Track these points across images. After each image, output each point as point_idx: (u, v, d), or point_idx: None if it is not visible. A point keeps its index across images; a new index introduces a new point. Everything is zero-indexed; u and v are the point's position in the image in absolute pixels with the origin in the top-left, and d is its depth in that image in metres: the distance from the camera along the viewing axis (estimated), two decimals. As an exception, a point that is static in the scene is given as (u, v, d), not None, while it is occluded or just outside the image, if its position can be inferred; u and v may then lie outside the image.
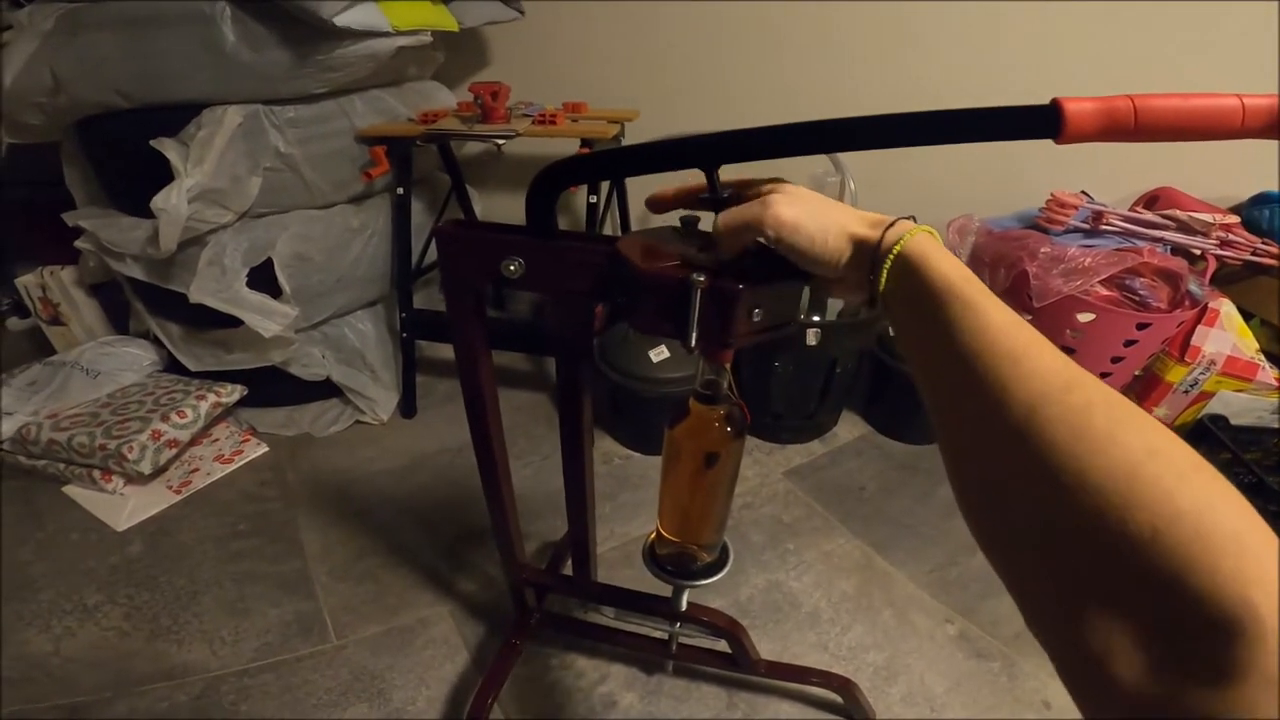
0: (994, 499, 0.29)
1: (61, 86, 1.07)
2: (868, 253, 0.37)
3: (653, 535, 0.68)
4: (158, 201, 1.04)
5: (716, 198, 0.42)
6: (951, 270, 0.33)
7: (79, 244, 1.27)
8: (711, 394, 0.54)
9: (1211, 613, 0.20)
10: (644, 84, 1.55)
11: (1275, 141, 0.31)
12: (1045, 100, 0.33)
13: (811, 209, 0.39)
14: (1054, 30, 1.30)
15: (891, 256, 0.35)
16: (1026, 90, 1.33)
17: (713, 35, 1.48)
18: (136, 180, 1.10)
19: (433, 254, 1.50)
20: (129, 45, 1.04)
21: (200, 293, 1.13)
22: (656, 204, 0.49)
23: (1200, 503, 0.22)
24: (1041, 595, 0.27)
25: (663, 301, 0.43)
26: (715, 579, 0.66)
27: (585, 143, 1.19)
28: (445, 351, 1.67)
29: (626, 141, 1.35)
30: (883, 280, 0.36)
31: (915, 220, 0.37)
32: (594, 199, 1.27)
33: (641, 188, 1.57)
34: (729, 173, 0.43)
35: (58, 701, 0.89)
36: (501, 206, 1.78)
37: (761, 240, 0.40)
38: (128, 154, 1.14)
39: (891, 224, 0.37)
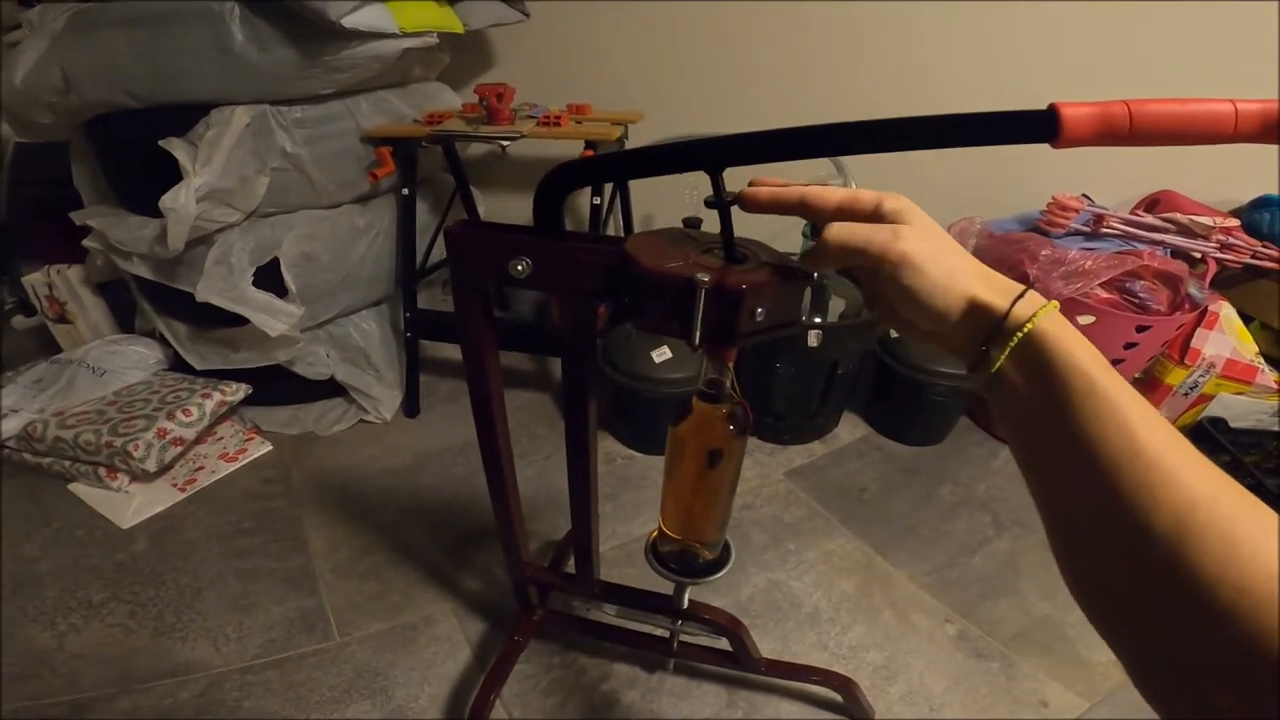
0: (1124, 595, 0.29)
1: (72, 86, 1.08)
2: (987, 322, 0.35)
3: (655, 533, 0.68)
4: (166, 201, 1.05)
5: (721, 201, 0.43)
6: (1090, 359, 0.31)
7: (87, 243, 1.28)
8: (715, 392, 0.55)
9: None
10: (648, 86, 1.56)
11: (1272, 146, 0.32)
12: (1048, 104, 0.33)
13: (938, 253, 0.36)
14: (1059, 33, 1.31)
15: (1020, 334, 0.33)
16: (1031, 93, 1.34)
17: (716, 38, 1.49)
18: (144, 180, 1.11)
19: (437, 254, 1.51)
20: (139, 45, 1.05)
21: (207, 292, 1.14)
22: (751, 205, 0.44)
23: None
24: (1166, 673, 0.28)
25: (668, 301, 0.44)
26: (717, 576, 0.67)
27: (589, 144, 1.20)
28: (448, 351, 1.67)
29: (630, 143, 1.36)
30: (1003, 357, 0.34)
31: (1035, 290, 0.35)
32: (597, 200, 1.28)
33: (644, 190, 1.59)
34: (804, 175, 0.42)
35: (61, 698, 0.89)
36: (506, 207, 1.79)
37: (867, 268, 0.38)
38: (136, 153, 1.14)
39: (1020, 295, 0.34)
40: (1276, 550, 0.25)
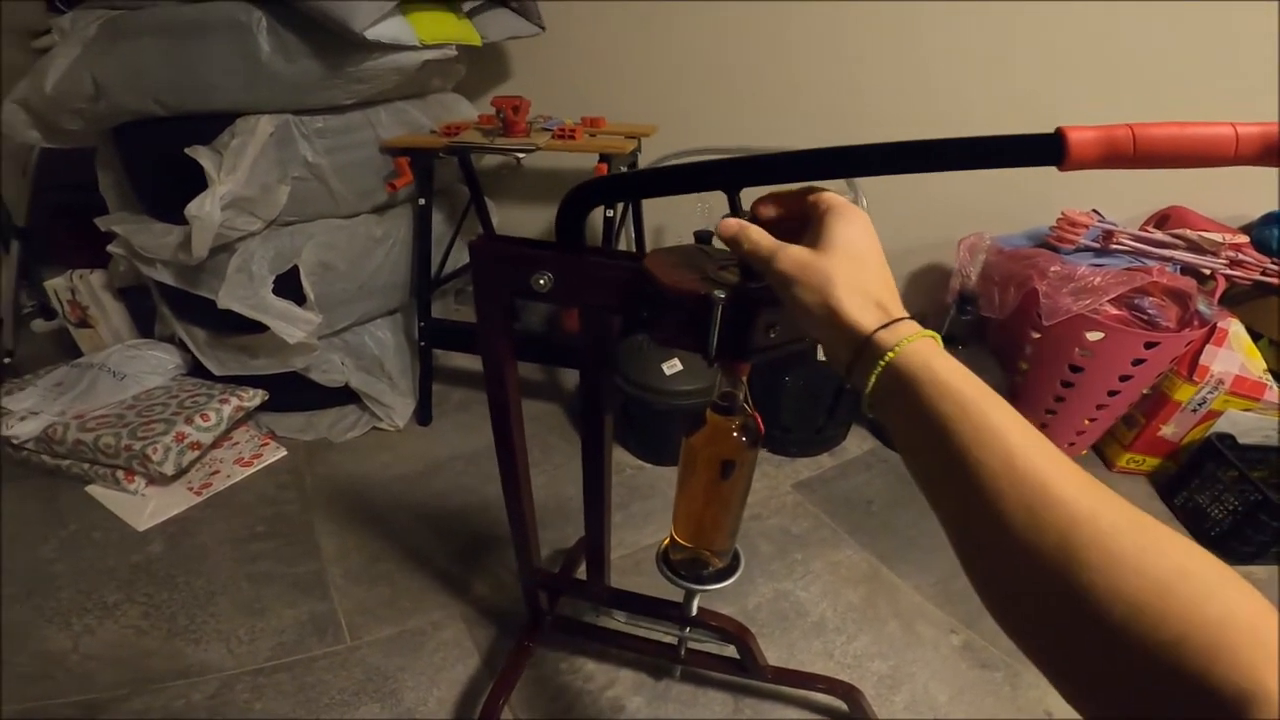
0: (1024, 609, 0.29)
1: (102, 93, 1.10)
2: (852, 343, 0.35)
3: (666, 541, 0.69)
4: (192, 209, 1.07)
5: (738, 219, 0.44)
6: (962, 381, 0.31)
7: (111, 248, 1.30)
8: (728, 405, 0.56)
9: (1231, 692, 0.23)
10: (661, 99, 1.58)
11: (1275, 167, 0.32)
12: (1052, 125, 0.34)
13: (811, 272, 0.37)
14: (1068, 42, 1.31)
15: (882, 363, 0.33)
16: (1039, 104, 1.34)
17: (730, 52, 1.50)
18: (169, 187, 1.14)
19: (451, 264, 1.52)
20: (169, 53, 1.07)
21: (228, 298, 1.16)
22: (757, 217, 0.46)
23: (1224, 610, 0.24)
24: (1078, 682, 0.28)
25: (685, 316, 0.45)
26: (727, 584, 0.68)
27: (603, 158, 1.21)
28: (461, 360, 1.69)
29: (643, 156, 1.38)
30: (869, 382, 0.34)
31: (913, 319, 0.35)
32: (610, 213, 1.30)
33: (656, 203, 1.60)
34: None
35: (75, 698, 0.90)
36: (518, 219, 1.80)
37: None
38: (162, 161, 1.17)
39: (890, 323, 0.34)
40: (1163, 563, 0.25)
